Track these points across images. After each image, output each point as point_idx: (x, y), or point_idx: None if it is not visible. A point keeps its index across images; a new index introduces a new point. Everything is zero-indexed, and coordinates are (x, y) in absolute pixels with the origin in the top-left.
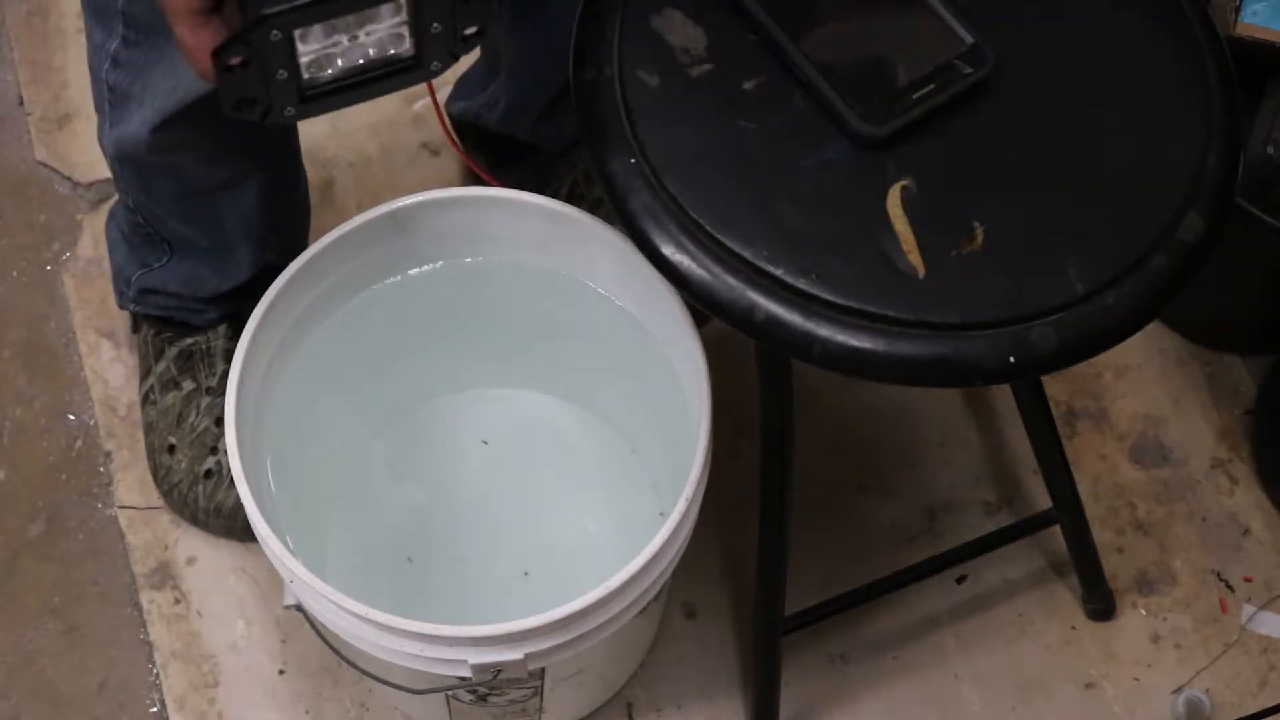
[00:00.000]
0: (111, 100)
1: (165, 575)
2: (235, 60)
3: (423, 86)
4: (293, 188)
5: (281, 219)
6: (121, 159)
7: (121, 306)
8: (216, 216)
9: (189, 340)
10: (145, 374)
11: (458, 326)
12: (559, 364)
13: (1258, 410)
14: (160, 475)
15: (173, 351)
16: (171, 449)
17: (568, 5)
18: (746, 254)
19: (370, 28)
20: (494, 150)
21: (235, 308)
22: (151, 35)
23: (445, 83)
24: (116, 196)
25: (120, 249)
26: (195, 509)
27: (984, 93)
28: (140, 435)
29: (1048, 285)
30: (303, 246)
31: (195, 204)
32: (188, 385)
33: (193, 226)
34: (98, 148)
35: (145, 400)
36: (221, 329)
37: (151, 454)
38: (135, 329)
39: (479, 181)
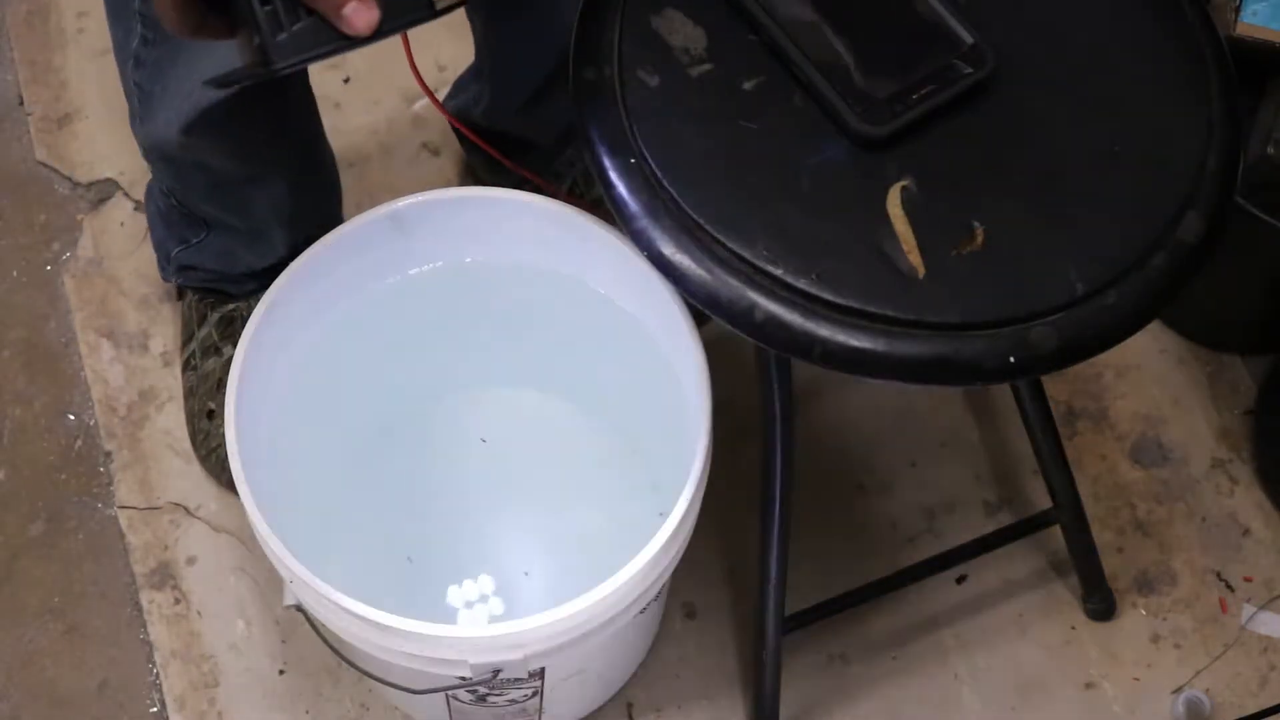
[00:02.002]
0: (140, 98)
1: (165, 575)
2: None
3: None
4: (319, 169)
5: (312, 200)
6: (152, 151)
7: (164, 279)
8: (247, 204)
9: (230, 306)
10: (187, 339)
11: (458, 326)
12: (559, 364)
13: (1258, 410)
14: (199, 440)
15: (214, 317)
16: (210, 414)
17: (545, 6)
18: (746, 254)
19: None
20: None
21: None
22: (168, 35)
23: (445, 82)
24: (147, 179)
25: (158, 224)
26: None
27: (984, 93)
28: (141, 435)
29: (1048, 285)
30: (337, 220)
31: (226, 194)
32: (228, 351)
33: (225, 212)
34: (98, 147)
35: (186, 366)
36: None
37: (190, 419)
38: (180, 296)
39: (481, 180)
